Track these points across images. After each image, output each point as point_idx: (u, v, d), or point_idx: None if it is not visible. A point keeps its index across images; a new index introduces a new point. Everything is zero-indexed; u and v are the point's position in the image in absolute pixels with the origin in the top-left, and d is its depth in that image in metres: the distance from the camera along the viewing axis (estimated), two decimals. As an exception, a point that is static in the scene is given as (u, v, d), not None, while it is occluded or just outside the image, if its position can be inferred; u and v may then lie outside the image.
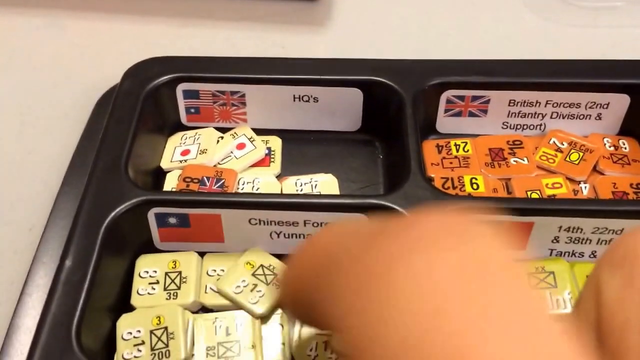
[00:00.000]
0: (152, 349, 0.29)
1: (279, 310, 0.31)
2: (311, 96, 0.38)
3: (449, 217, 0.17)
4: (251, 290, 0.31)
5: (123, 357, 0.29)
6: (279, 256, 0.33)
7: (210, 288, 0.31)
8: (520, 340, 0.14)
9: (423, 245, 0.16)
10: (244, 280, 0.31)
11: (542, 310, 0.15)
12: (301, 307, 0.21)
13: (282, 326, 0.30)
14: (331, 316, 0.17)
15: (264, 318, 0.31)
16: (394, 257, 0.16)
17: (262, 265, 0.32)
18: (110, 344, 0.30)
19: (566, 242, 0.32)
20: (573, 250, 0.32)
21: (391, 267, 0.16)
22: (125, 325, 0.30)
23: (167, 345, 0.29)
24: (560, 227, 0.31)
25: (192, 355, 0.30)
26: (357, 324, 0.15)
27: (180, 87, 0.38)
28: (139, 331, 0.30)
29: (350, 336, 0.16)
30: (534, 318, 0.15)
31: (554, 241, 0.31)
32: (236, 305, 0.31)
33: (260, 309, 0.30)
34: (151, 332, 0.29)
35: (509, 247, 0.16)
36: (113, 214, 0.31)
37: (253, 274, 0.32)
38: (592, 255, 0.32)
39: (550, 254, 0.32)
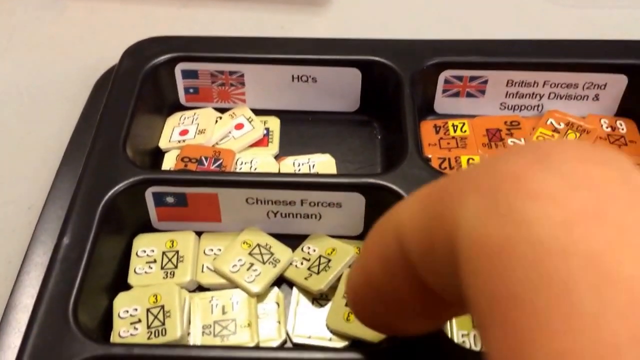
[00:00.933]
0: (149, 327, 0.29)
1: (275, 289, 0.31)
2: (310, 76, 0.38)
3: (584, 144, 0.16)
4: (247, 269, 0.31)
5: (120, 335, 0.29)
6: (275, 235, 0.33)
7: (207, 267, 0.32)
8: None
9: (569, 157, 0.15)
10: (240, 260, 0.32)
11: None
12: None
13: (278, 305, 0.31)
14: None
15: (260, 297, 0.31)
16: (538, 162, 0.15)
17: (258, 245, 0.32)
18: (107, 322, 0.30)
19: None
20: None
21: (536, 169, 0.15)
22: (122, 303, 0.30)
23: (163, 324, 0.29)
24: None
25: (188, 333, 0.30)
26: (495, 226, 0.14)
27: (179, 67, 0.38)
28: (135, 309, 0.30)
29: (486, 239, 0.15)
30: None
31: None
32: (233, 284, 0.31)
33: (256, 287, 0.30)
34: (148, 310, 0.30)
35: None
36: (111, 192, 0.31)
37: (250, 253, 0.32)
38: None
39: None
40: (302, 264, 0.32)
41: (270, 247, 0.32)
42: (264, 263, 0.31)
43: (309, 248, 0.32)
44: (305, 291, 0.31)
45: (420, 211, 0.18)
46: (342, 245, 0.32)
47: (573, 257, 0.13)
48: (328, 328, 0.29)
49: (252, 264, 0.31)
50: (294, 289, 0.31)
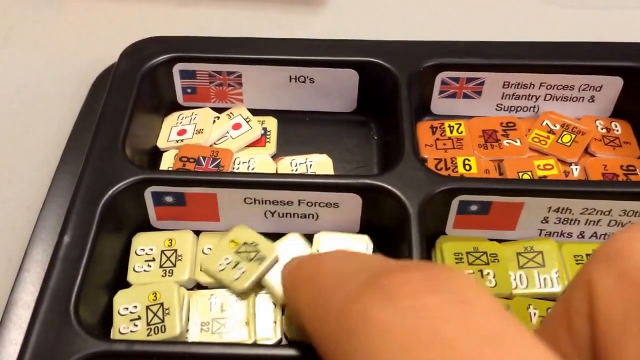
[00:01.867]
0: (148, 324, 0.29)
1: (265, 290, 0.31)
2: (307, 77, 0.38)
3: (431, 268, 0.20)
4: (233, 268, 0.31)
5: (120, 332, 0.29)
6: (273, 235, 0.33)
7: (205, 266, 0.32)
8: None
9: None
10: (227, 258, 0.32)
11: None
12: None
13: (275, 305, 0.31)
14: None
15: (258, 296, 0.31)
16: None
17: (245, 243, 0.32)
18: (107, 319, 0.30)
19: (555, 223, 0.32)
20: (562, 231, 0.32)
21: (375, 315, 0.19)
22: (122, 301, 0.30)
23: (162, 321, 0.29)
24: (550, 208, 0.31)
25: (187, 330, 0.30)
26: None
27: (177, 67, 0.38)
28: (135, 307, 0.30)
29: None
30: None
31: (544, 221, 0.32)
32: (219, 283, 0.31)
33: (240, 285, 0.31)
34: (147, 307, 0.30)
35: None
36: (111, 192, 0.32)
37: (236, 252, 0.32)
38: (580, 236, 0.32)
39: (540, 234, 0.33)
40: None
41: (256, 244, 0.32)
42: (249, 261, 0.32)
43: (286, 248, 0.33)
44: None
45: (310, 320, 0.23)
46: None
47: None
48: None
49: (237, 262, 0.32)
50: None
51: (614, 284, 0.19)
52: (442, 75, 0.37)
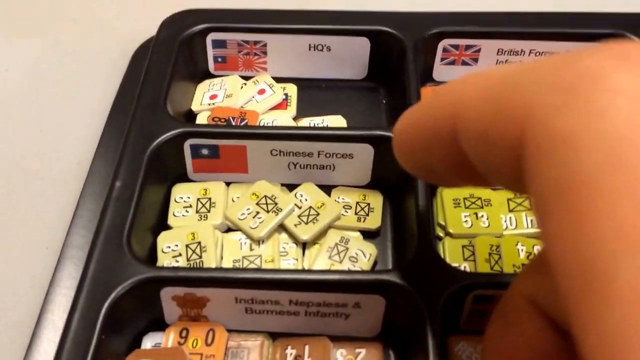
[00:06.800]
0: (188, 259, 0.32)
1: (284, 234, 0.34)
2: (325, 45, 0.40)
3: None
4: (253, 217, 0.34)
5: (164, 266, 0.32)
6: (295, 187, 0.35)
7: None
8: None
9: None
10: (248, 209, 0.34)
11: None
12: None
13: (296, 244, 0.33)
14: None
15: (280, 235, 0.34)
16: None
17: (265, 196, 0.34)
18: (151, 257, 0.33)
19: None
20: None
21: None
22: (165, 240, 0.33)
23: (200, 257, 0.32)
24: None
25: (221, 265, 0.32)
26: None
27: (210, 37, 0.40)
28: (176, 245, 0.32)
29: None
30: None
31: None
32: (239, 229, 0.34)
33: (257, 233, 0.33)
34: (187, 245, 0.32)
35: None
36: (155, 143, 0.34)
37: (257, 203, 0.34)
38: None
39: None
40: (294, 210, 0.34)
41: (275, 197, 0.34)
42: (267, 212, 0.34)
43: (301, 196, 0.35)
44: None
45: (484, 98, 0.17)
46: (331, 201, 0.35)
47: None
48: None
49: (257, 212, 0.34)
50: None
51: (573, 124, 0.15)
52: (444, 43, 0.40)
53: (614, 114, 0.14)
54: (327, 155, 0.35)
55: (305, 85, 0.42)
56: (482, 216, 0.34)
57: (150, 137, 0.34)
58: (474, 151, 0.18)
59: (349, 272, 0.31)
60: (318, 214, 0.34)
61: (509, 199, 0.34)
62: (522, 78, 0.16)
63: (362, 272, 0.32)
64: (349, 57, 0.41)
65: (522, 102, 0.16)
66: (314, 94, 0.41)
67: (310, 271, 0.32)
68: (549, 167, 0.15)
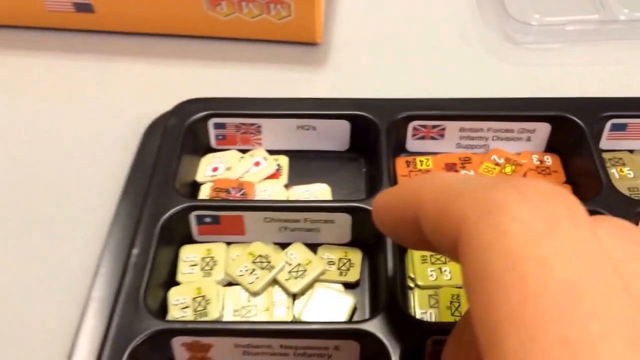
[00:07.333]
0: (195, 311, 0.34)
1: (277, 287, 0.36)
2: (311, 126, 0.43)
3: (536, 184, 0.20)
4: (250, 274, 0.36)
5: (175, 319, 0.34)
6: (285, 245, 0.38)
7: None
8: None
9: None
10: (245, 266, 0.36)
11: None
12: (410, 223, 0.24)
13: (287, 295, 0.36)
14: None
15: (273, 288, 0.36)
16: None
17: (260, 255, 0.37)
18: (163, 308, 0.35)
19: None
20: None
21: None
22: (174, 294, 0.35)
23: (205, 308, 0.34)
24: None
25: (223, 315, 0.35)
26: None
27: (212, 121, 0.43)
28: (184, 299, 0.35)
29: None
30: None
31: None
32: (238, 284, 0.36)
33: (254, 288, 0.36)
34: (193, 299, 0.35)
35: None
36: (166, 215, 0.37)
37: (253, 262, 0.37)
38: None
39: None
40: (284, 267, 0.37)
41: (268, 256, 0.37)
42: (262, 269, 0.36)
43: (292, 254, 0.38)
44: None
45: (436, 200, 0.22)
46: (317, 258, 0.38)
47: (529, 259, 0.18)
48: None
49: (253, 270, 0.36)
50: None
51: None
52: (413, 124, 0.42)
53: (511, 234, 0.18)
54: (312, 222, 0.38)
55: (295, 157, 0.43)
56: (445, 270, 0.37)
57: (162, 210, 0.37)
58: (429, 235, 0.23)
59: (329, 322, 0.35)
60: (305, 270, 0.37)
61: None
62: (463, 191, 0.21)
63: (339, 322, 0.35)
64: (332, 135, 0.43)
65: (458, 211, 0.21)
66: (303, 164, 0.43)
67: (296, 322, 0.36)
68: (471, 262, 0.19)
